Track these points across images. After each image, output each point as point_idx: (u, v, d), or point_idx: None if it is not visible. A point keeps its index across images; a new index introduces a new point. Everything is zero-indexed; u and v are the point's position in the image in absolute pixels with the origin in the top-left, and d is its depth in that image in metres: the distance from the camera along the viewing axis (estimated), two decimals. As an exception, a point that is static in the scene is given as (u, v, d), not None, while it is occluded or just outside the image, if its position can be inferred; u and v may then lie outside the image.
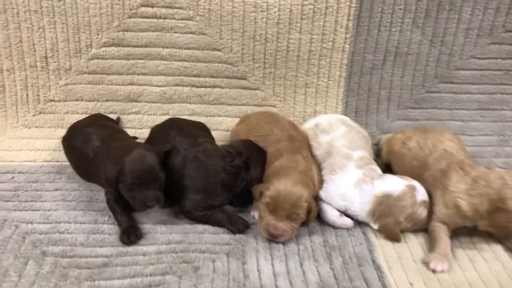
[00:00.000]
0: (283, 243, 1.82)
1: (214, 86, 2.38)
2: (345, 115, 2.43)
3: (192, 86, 2.38)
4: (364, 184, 1.90)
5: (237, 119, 2.41)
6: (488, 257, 1.80)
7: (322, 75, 2.38)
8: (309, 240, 1.85)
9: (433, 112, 2.47)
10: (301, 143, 2.10)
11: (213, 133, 2.33)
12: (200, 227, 1.89)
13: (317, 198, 1.98)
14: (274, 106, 2.43)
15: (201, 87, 2.38)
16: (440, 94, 2.45)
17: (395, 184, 1.88)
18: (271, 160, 1.99)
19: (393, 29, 2.30)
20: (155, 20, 2.24)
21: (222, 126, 2.42)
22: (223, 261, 1.71)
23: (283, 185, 1.78)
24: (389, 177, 1.93)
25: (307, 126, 2.29)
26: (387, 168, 2.19)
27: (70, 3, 2.20)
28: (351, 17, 2.25)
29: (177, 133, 2.06)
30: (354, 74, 2.39)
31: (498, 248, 1.85)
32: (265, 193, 1.80)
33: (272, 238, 1.79)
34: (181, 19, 2.24)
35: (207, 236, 1.84)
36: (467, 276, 1.70)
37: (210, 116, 2.41)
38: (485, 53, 2.37)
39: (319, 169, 2.03)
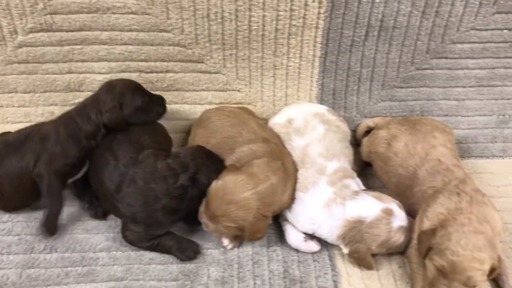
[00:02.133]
0: (238, 275, 1.63)
1: (167, 71, 2.05)
2: (322, 98, 2.12)
3: (141, 71, 2.04)
4: (334, 205, 1.66)
5: (198, 107, 2.11)
6: None
7: (293, 56, 2.02)
8: (267, 270, 1.66)
9: (423, 91, 2.14)
10: (278, 147, 1.82)
11: (171, 124, 2.07)
12: (147, 255, 1.69)
13: (282, 217, 1.76)
14: (239, 90, 2.10)
15: (151, 72, 2.05)
16: (433, 71, 2.10)
17: (369, 208, 1.63)
18: (244, 161, 1.73)
19: (377, 0, 1.89)
20: (87, 0, 1.85)
21: (181, 115, 2.13)
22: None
23: (222, 179, 1.60)
24: (363, 198, 1.67)
25: (278, 121, 1.98)
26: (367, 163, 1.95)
27: (-19, -16, 1.81)
28: (325, -11, 1.84)
29: (123, 138, 1.78)
30: (331, 52, 2.03)
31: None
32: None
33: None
34: (118, -2, 1.85)
35: (154, 268, 1.65)
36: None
37: (166, 104, 2.10)
38: (489, 24, 1.98)
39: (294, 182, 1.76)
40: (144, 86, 2.01)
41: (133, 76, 2.04)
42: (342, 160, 1.78)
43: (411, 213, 1.70)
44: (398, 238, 1.63)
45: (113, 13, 1.89)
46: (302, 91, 2.12)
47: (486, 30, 2.00)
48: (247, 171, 1.64)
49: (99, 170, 1.72)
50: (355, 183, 1.74)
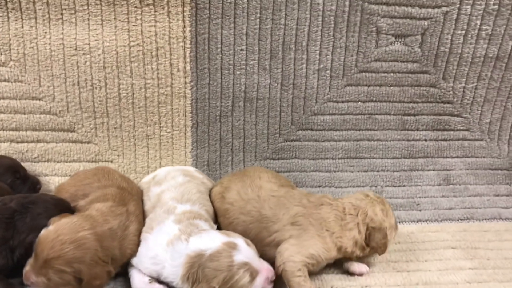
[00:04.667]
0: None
1: (38, 141, 2.07)
2: (196, 168, 2.14)
3: (11, 141, 2.05)
4: (178, 242, 1.56)
5: (68, 178, 2.07)
6: None
7: (165, 125, 2.11)
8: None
9: (295, 162, 2.21)
10: (131, 196, 1.79)
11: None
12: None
13: (129, 264, 1.63)
14: (111, 161, 2.11)
15: (22, 142, 2.06)
16: (301, 143, 2.21)
17: (210, 241, 1.54)
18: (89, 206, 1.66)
19: (238, 72, 2.08)
20: (-40, 67, 1.96)
21: (50, 187, 2.07)
22: None
23: (54, 223, 1.48)
24: (209, 233, 1.60)
25: (145, 180, 1.99)
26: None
27: None
28: (188, 59, 2.03)
29: None
30: (201, 122, 2.13)
31: None
32: None
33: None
34: (-7, 65, 1.97)
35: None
36: None
37: (36, 175, 2.07)
38: (343, 96, 2.17)
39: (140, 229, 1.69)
40: (14, 156, 2.02)
41: (4, 146, 2.05)
42: (197, 206, 1.74)
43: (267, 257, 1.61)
44: (242, 277, 1.49)
45: (-13, 80, 1.98)
46: (177, 161, 2.15)
47: (342, 102, 2.18)
48: (83, 214, 1.58)
49: None
50: (207, 225, 1.67)
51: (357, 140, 2.23)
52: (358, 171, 2.24)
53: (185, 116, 2.11)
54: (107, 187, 1.76)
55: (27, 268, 1.47)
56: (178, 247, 1.55)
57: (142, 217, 1.73)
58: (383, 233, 1.66)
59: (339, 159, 2.24)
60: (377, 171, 2.25)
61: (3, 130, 2.04)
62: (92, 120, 2.06)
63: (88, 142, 2.09)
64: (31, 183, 1.94)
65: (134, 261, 1.61)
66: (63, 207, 1.65)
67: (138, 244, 1.63)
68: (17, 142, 2.06)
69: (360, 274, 1.70)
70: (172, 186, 1.80)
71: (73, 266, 1.44)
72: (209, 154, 2.17)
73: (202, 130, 2.14)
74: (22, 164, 2.04)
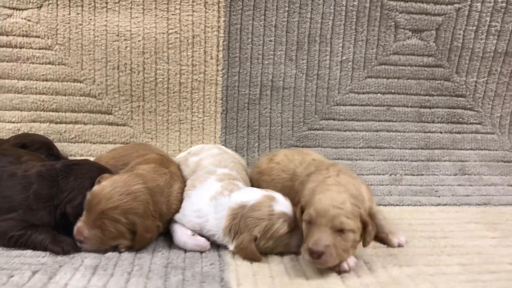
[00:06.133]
0: (115, 264, 1.47)
1: (76, 122, 2.17)
2: (225, 154, 2.23)
3: (51, 122, 2.15)
4: (221, 197, 1.64)
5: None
6: (362, 271, 1.51)
7: (196, 110, 2.23)
8: (149, 262, 1.51)
9: (318, 151, 2.29)
10: (170, 161, 1.89)
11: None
12: (16, 252, 1.52)
13: (172, 220, 1.69)
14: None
15: (60, 123, 2.16)
16: (324, 132, 2.32)
17: (251, 194, 1.62)
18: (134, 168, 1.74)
19: (266, 62, 2.23)
20: (9, 49, 2.09)
21: (85, 167, 2.15)
22: (23, 277, 1.34)
23: (105, 181, 1.55)
24: (249, 188, 1.69)
25: (180, 155, 2.09)
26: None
27: None
28: (221, 48, 2.18)
29: None
30: (230, 109, 2.25)
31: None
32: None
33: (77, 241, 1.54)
34: (39, 49, 2.11)
35: (21, 259, 1.47)
36: (332, 289, 1.40)
37: (71, 155, 2.15)
38: (363, 87, 2.31)
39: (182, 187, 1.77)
40: (52, 136, 2.12)
41: (43, 127, 2.15)
42: (234, 172, 1.83)
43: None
44: (281, 226, 1.56)
45: (32, 62, 2.11)
46: (206, 146, 2.25)
47: (363, 93, 2.32)
48: (133, 173, 1.66)
49: None
50: (244, 185, 1.75)
51: (377, 131, 2.35)
52: (378, 160, 2.34)
53: (216, 102, 2.23)
54: (146, 155, 1.84)
55: (79, 224, 1.53)
56: (221, 201, 1.63)
57: (183, 178, 1.81)
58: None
59: (360, 148, 2.34)
60: (396, 160, 2.35)
61: (44, 110, 2.14)
62: (128, 104, 2.18)
63: (124, 125, 2.19)
64: None
65: (177, 216, 1.67)
66: (105, 171, 1.73)
67: (181, 201, 1.70)
68: (56, 123, 2.16)
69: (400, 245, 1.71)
70: (209, 155, 1.89)
71: (128, 217, 1.51)
72: (237, 140, 2.27)
73: (231, 116, 2.25)
74: (59, 144, 2.14)
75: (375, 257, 1.62)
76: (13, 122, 2.13)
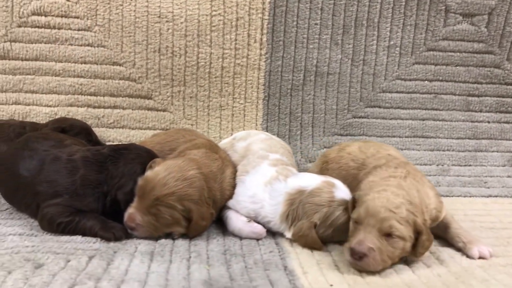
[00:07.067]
0: (171, 250, 1.40)
1: (115, 107, 2.10)
2: (266, 142, 2.15)
3: (89, 106, 2.08)
4: (276, 182, 1.56)
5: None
6: (431, 262, 1.43)
7: (238, 96, 2.15)
8: (206, 249, 1.44)
9: (362, 139, 2.22)
10: (218, 146, 1.82)
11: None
12: (66, 237, 1.45)
13: (224, 207, 1.61)
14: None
15: (99, 107, 2.09)
16: (368, 120, 2.24)
17: (310, 179, 1.54)
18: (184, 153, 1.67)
19: (311, 46, 2.15)
20: (48, 30, 2.02)
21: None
22: (81, 261, 1.27)
23: (159, 166, 1.47)
24: (306, 174, 1.61)
25: (225, 141, 2.00)
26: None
27: (-51, 8, 1.97)
28: (265, 31, 2.10)
29: (37, 138, 1.69)
30: (273, 95, 2.17)
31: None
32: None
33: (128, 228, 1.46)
34: (78, 30, 2.04)
35: (72, 244, 1.40)
36: (403, 279, 1.31)
37: (109, 141, 2.08)
38: (410, 74, 2.22)
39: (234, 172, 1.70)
40: (90, 121, 2.06)
41: (80, 111, 2.08)
42: (285, 158, 1.75)
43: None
44: (342, 215, 1.47)
45: (71, 44, 2.04)
46: (247, 134, 2.17)
47: (410, 80, 2.23)
48: (186, 158, 1.59)
49: (11, 169, 1.58)
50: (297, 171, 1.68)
51: (423, 119, 2.27)
52: (424, 150, 2.26)
53: (258, 88, 2.15)
54: (193, 140, 1.77)
55: (130, 210, 1.45)
56: (277, 186, 1.55)
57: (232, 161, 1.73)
58: None
59: (405, 137, 2.26)
60: (443, 150, 2.27)
61: (82, 94, 2.07)
62: (169, 88, 2.10)
63: (164, 110, 2.12)
64: None
65: (231, 202, 1.60)
66: (154, 155, 1.65)
67: (234, 186, 1.62)
68: (94, 107, 2.08)
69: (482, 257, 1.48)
70: (258, 140, 1.82)
71: (184, 203, 1.44)
72: (279, 127, 2.19)
73: (273, 103, 2.17)
74: (97, 129, 2.07)
75: (440, 247, 1.53)
76: (50, 106, 2.06)
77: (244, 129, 2.16)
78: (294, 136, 2.20)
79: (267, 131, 2.17)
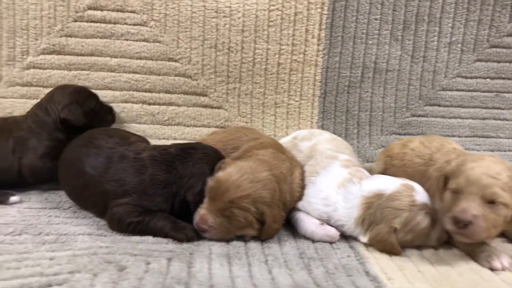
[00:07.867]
0: (246, 252, 1.36)
1: (170, 104, 2.06)
2: (322, 141, 2.09)
3: (143, 102, 2.05)
4: (350, 184, 1.50)
5: (196, 144, 2.04)
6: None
7: (294, 93, 2.09)
8: (280, 252, 1.39)
9: (421, 138, 2.15)
10: (282, 146, 1.76)
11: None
12: (137, 238, 1.41)
13: (293, 209, 1.56)
14: (239, 128, 2.08)
15: (154, 104, 2.05)
16: (427, 118, 2.16)
17: (387, 182, 1.48)
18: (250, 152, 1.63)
19: (370, 42, 2.08)
20: (103, 25, 1.99)
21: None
22: (161, 264, 1.23)
23: (230, 167, 1.43)
24: (381, 176, 1.54)
25: (284, 140, 1.94)
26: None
27: (6, 3, 1.95)
28: (323, 26, 2.04)
29: (100, 135, 1.66)
30: (329, 92, 2.11)
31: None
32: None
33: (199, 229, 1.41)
34: (134, 25, 2.00)
35: (144, 245, 1.36)
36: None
37: (164, 139, 2.05)
38: (472, 72, 2.14)
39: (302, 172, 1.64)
40: (144, 118, 2.02)
41: (135, 108, 2.04)
42: (353, 159, 1.69)
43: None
44: (423, 220, 1.41)
45: (126, 39, 2.00)
46: (303, 132, 2.11)
47: (471, 78, 2.15)
48: (255, 159, 1.54)
49: (76, 166, 1.56)
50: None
51: (484, 119, 2.18)
52: (484, 150, 2.17)
53: (314, 85, 2.09)
54: (257, 138, 1.72)
55: (202, 211, 1.41)
56: (351, 189, 1.49)
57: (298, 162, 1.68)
58: None
59: (465, 137, 2.18)
60: (504, 150, 2.18)
61: (137, 91, 2.04)
62: (224, 85, 2.06)
63: (219, 108, 2.07)
64: (108, 108, 1.94)
65: (301, 204, 1.54)
66: (220, 155, 1.61)
67: (303, 188, 1.57)
68: (149, 104, 2.05)
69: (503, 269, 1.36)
70: (323, 140, 1.77)
71: (258, 206, 1.39)
72: (335, 125, 2.13)
73: (330, 100, 2.11)
74: (152, 126, 2.05)
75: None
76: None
77: (299, 128, 2.10)
78: (350, 135, 2.14)
79: (322, 129, 2.11)
